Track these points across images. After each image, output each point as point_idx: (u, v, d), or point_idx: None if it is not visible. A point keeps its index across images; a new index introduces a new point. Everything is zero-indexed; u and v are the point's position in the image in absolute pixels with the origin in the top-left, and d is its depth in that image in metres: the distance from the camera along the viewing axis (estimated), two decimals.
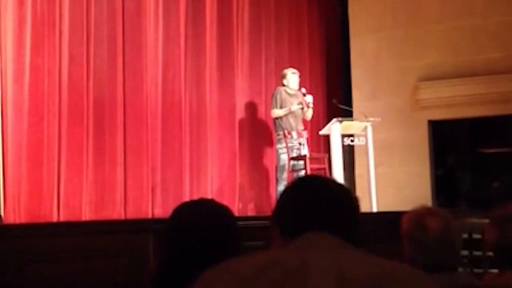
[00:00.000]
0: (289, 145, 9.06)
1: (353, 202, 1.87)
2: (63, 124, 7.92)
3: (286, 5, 10.66)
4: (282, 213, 1.86)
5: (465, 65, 9.85)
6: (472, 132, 10.23)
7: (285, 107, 9.14)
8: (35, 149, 7.66)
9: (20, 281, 4.60)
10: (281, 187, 8.90)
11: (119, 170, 8.38)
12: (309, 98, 9.19)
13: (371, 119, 8.97)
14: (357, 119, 9.24)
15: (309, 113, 9.28)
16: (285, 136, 9.05)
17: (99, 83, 8.31)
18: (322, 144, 10.09)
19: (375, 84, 10.50)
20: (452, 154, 10.37)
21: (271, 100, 9.30)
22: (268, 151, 9.80)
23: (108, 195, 8.25)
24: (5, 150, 7.29)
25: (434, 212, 2.89)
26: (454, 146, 10.39)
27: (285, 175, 8.95)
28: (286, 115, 9.12)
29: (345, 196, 1.87)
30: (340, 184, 1.92)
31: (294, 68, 9.53)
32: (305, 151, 9.13)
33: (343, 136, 8.72)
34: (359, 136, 8.86)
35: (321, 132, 9.01)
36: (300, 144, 9.16)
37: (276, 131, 9.28)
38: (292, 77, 9.28)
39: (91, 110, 8.20)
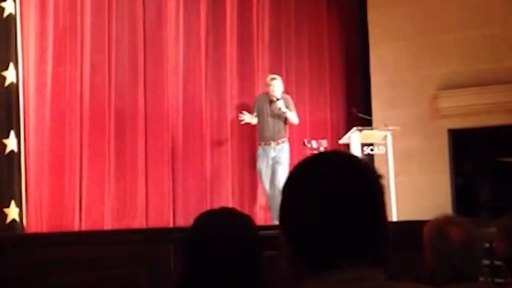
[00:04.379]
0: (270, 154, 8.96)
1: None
2: (84, 133, 7.98)
3: (306, 15, 10.68)
4: (311, 228, 1.31)
5: (484, 74, 9.82)
6: (491, 140, 10.17)
7: (260, 116, 9.02)
8: (57, 158, 7.71)
9: None
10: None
11: (141, 179, 8.41)
12: (279, 104, 8.91)
13: (391, 128, 8.97)
14: (376, 128, 9.23)
15: (290, 118, 9.00)
16: (304, 144, 9.06)
17: (121, 93, 8.36)
18: None
19: (395, 93, 10.48)
20: (472, 163, 10.32)
21: None
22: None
23: (129, 204, 8.28)
24: (27, 159, 7.34)
25: (455, 221, 2.88)
26: (473, 155, 10.34)
27: None
28: (260, 124, 9.01)
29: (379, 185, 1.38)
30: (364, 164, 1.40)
31: (314, 76, 9.52)
32: None
33: (363, 145, 8.71)
34: (378, 145, 8.86)
35: (341, 141, 8.99)
36: None
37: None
38: (269, 84, 9.04)
39: (112, 119, 8.25)
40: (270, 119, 8.97)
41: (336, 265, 1.29)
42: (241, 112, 9.07)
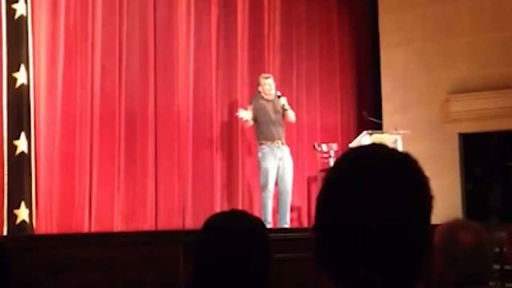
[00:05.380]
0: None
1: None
2: (95, 135, 8.00)
3: (317, 18, 10.68)
4: (337, 228, 1.16)
5: (495, 78, 9.79)
6: (502, 145, 10.14)
7: (261, 114, 8.65)
8: (67, 160, 7.73)
9: None
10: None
11: (150, 181, 8.43)
12: (283, 100, 8.71)
13: (401, 131, 8.95)
14: (387, 132, 9.22)
15: (290, 116, 8.78)
16: (314, 148, 9.03)
17: (131, 94, 8.38)
18: None
19: (405, 97, 10.47)
20: (482, 167, 10.29)
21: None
22: (299, 161, 9.73)
23: (139, 206, 8.29)
24: (37, 160, 7.36)
25: (466, 225, 2.86)
26: (484, 159, 10.31)
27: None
28: (264, 124, 8.65)
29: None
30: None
31: (325, 79, 9.46)
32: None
33: None
34: None
35: (351, 145, 8.97)
36: (330, 157, 9.08)
37: (257, 140, 8.83)
38: (264, 82, 8.80)
39: (122, 121, 8.27)
40: (273, 117, 8.69)
41: (356, 273, 1.15)
42: (237, 111, 8.74)
